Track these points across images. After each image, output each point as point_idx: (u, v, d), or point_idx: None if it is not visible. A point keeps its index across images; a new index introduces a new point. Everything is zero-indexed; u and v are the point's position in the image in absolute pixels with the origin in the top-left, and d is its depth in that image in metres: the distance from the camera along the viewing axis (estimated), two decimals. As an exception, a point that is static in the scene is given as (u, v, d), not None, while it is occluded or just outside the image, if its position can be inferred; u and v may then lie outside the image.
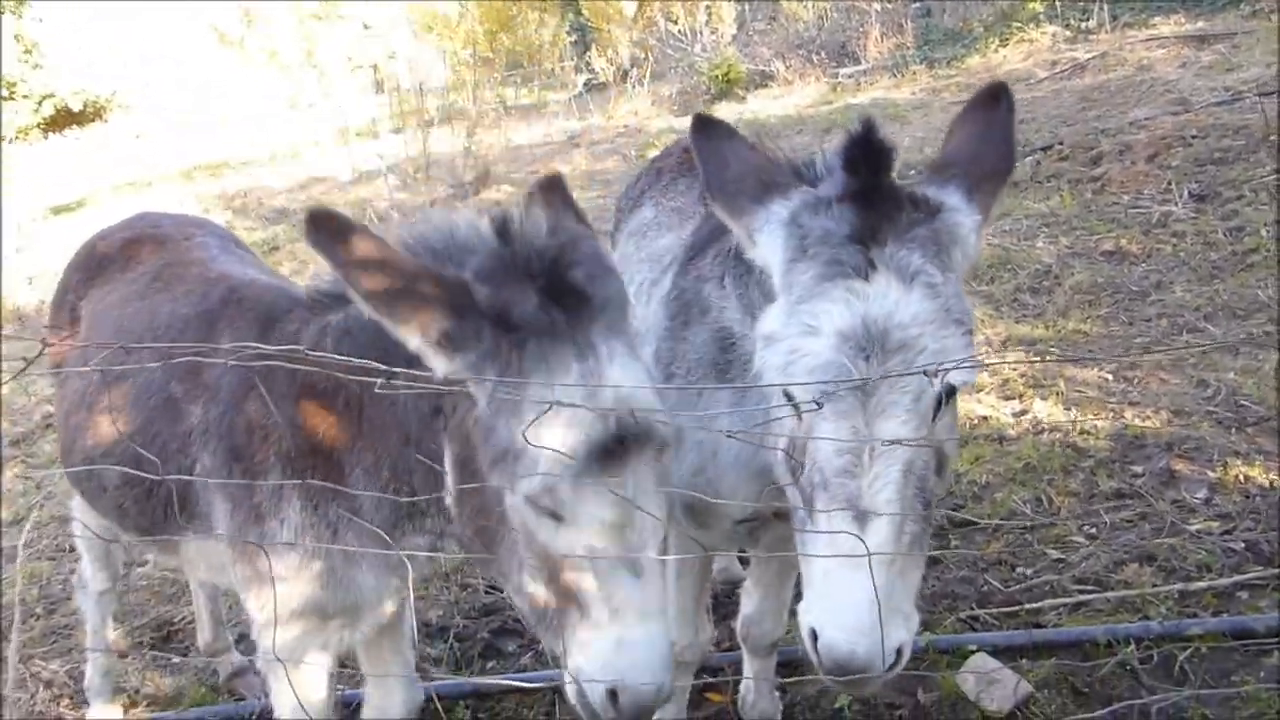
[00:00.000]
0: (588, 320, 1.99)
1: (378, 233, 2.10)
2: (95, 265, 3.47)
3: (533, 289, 1.99)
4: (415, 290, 2.00)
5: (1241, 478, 4.53)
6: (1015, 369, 5.83)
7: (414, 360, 2.01)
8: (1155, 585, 3.95)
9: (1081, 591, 4.02)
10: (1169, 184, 8.01)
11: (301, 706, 2.63)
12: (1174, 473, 4.67)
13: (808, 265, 1.94)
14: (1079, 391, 5.52)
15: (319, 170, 16.70)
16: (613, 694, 1.93)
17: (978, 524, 4.52)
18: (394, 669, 3.10)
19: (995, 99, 2.29)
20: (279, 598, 2.46)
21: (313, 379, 2.37)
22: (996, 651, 3.71)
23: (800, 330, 1.88)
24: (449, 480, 2.20)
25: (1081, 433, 5.11)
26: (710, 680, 3.83)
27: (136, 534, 3.02)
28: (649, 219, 3.56)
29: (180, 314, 2.91)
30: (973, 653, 3.70)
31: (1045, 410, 5.37)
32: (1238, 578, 3.91)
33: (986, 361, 5.77)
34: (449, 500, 2.23)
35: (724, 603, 4.31)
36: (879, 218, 1.93)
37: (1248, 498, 4.41)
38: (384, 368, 1.87)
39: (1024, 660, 3.67)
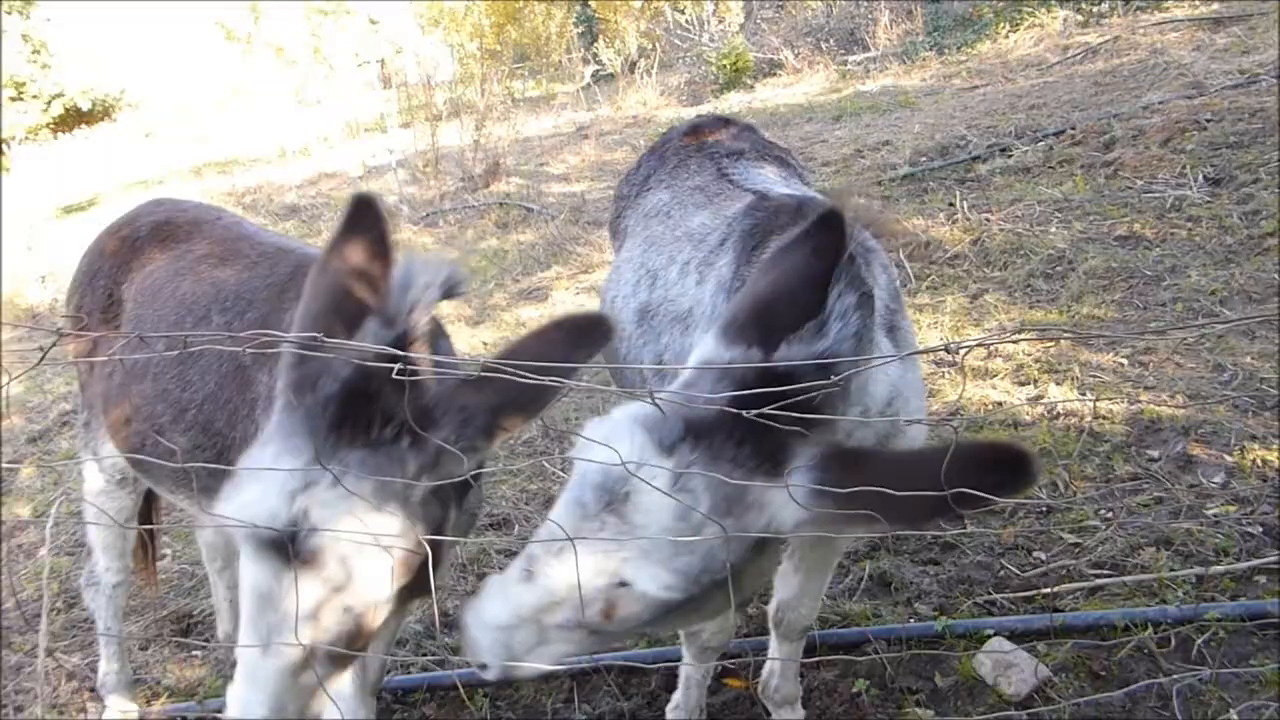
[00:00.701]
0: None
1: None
2: (130, 248, 3.53)
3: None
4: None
5: (1259, 461, 4.52)
6: (1029, 354, 5.82)
7: None
8: (1172, 569, 3.94)
9: (1098, 576, 4.02)
10: (1183, 168, 7.97)
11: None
12: (1191, 457, 4.65)
13: None
14: (1094, 376, 5.51)
15: (328, 166, 16.73)
16: None
17: (993, 510, 4.51)
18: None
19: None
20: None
21: None
22: (1014, 636, 3.72)
23: None
24: None
25: (1097, 417, 5.10)
26: (728, 665, 3.84)
27: (204, 496, 3.08)
28: (666, 200, 3.58)
29: (249, 286, 3.04)
30: (989, 637, 3.70)
31: (1060, 395, 5.35)
32: (1255, 562, 3.90)
33: (1004, 339, 5.78)
34: None
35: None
36: None
37: (1265, 481, 4.39)
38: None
39: (1041, 644, 3.67)
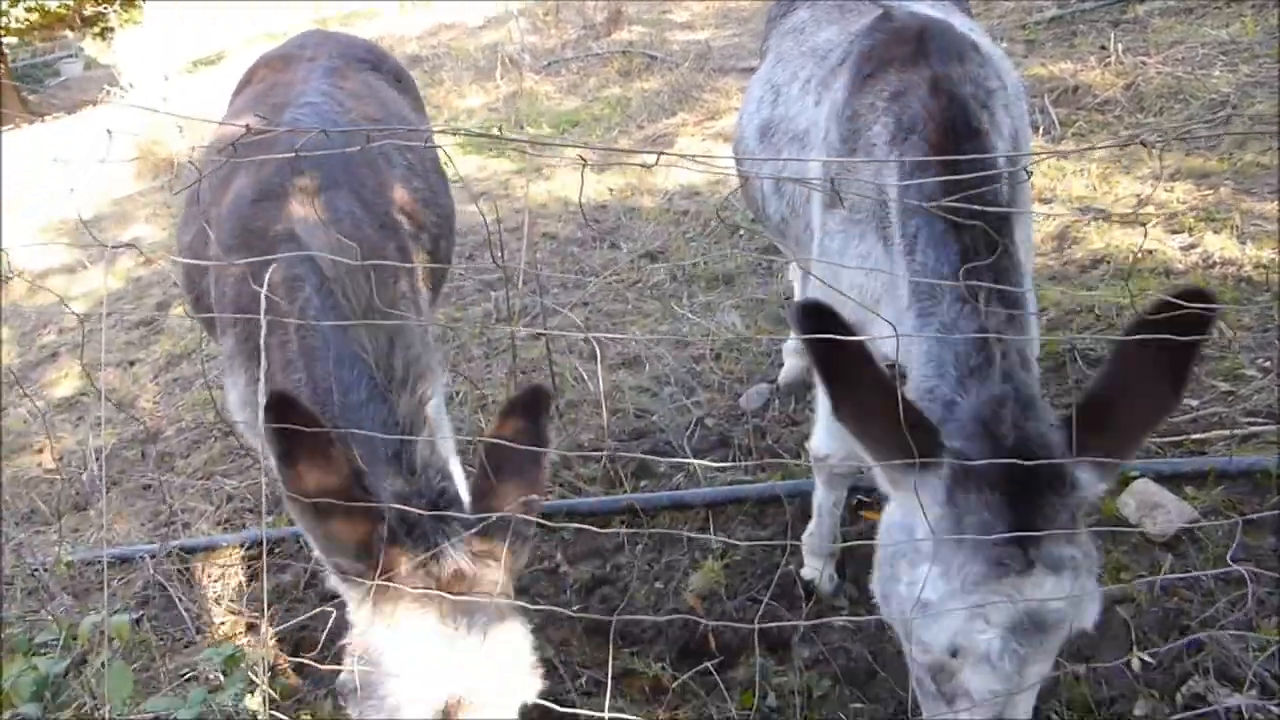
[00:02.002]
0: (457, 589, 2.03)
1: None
2: (240, 83, 3.87)
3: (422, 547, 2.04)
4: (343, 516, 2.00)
5: None
6: (1184, 201, 5.53)
7: None
8: (1334, 417, 3.78)
9: (1252, 424, 3.88)
10: (1365, 4, 7.34)
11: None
12: (1358, 306, 4.41)
13: (967, 557, 1.96)
14: (1256, 225, 5.21)
15: (448, 16, 16.61)
16: None
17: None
18: None
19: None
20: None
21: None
22: (1160, 478, 3.63)
23: (968, 617, 1.95)
24: None
25: (1257, 266, 4.84)
26: (864, 499, 3.86)
27: None
28: (805, 19, 3.51)
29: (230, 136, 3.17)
30: (1135, 479, 3.63)
31: (1217, 244, 5.09)
32: None
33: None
34: None
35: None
36: (1033, 513, 1.94)
37: None
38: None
39: (1189, 488, 3.59)
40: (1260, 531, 3.41)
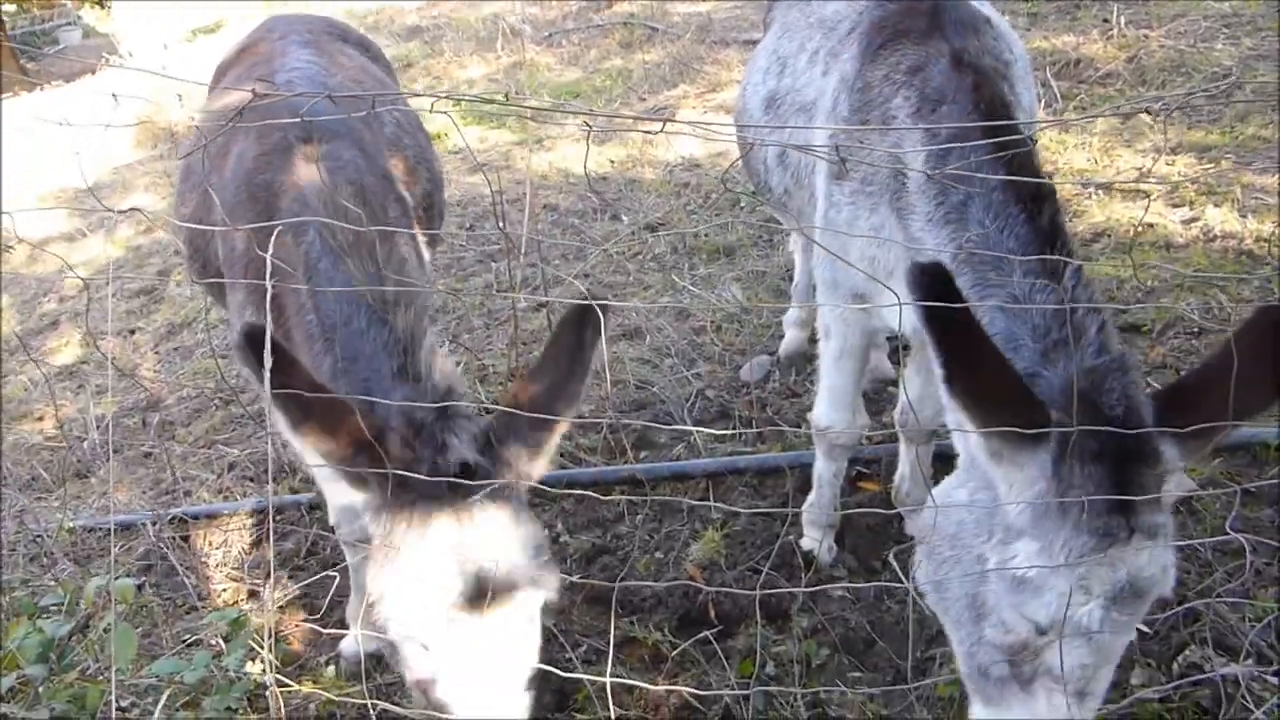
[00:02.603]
0: (471, 490, 2.08)
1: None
2: (216, 76, 3.92)
3: (432, 455, 2.10)
4: (340, 428, 2.04)
5: None
6: (1185, 175, 5.53)
7: None
8: (1334, 391, 3.79)
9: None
10: (1371, -23, 7.30)
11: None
12: (1359, 280, 4.41)
13: (1071, 531, 1.95)
14: (1257, 199, 5.21)
15: (449, -13, 16.48)
16: None
17: (1140, 328, 4.38)
18: None
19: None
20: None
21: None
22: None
23: (1072, 587, 1.95)
24: None
25: (1258, 240, 4.84)
26: (863, 470, 3.88)
27: None
28: (811, -13, 3.47)
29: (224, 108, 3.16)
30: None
31: (1218, 217, 5.09)
32: None
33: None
34: None
35: (873, 399, 4.33)
36: (1131, 484, 1.94)
37: None
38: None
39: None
40: (1258, 503, 3.44)
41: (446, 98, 2.09)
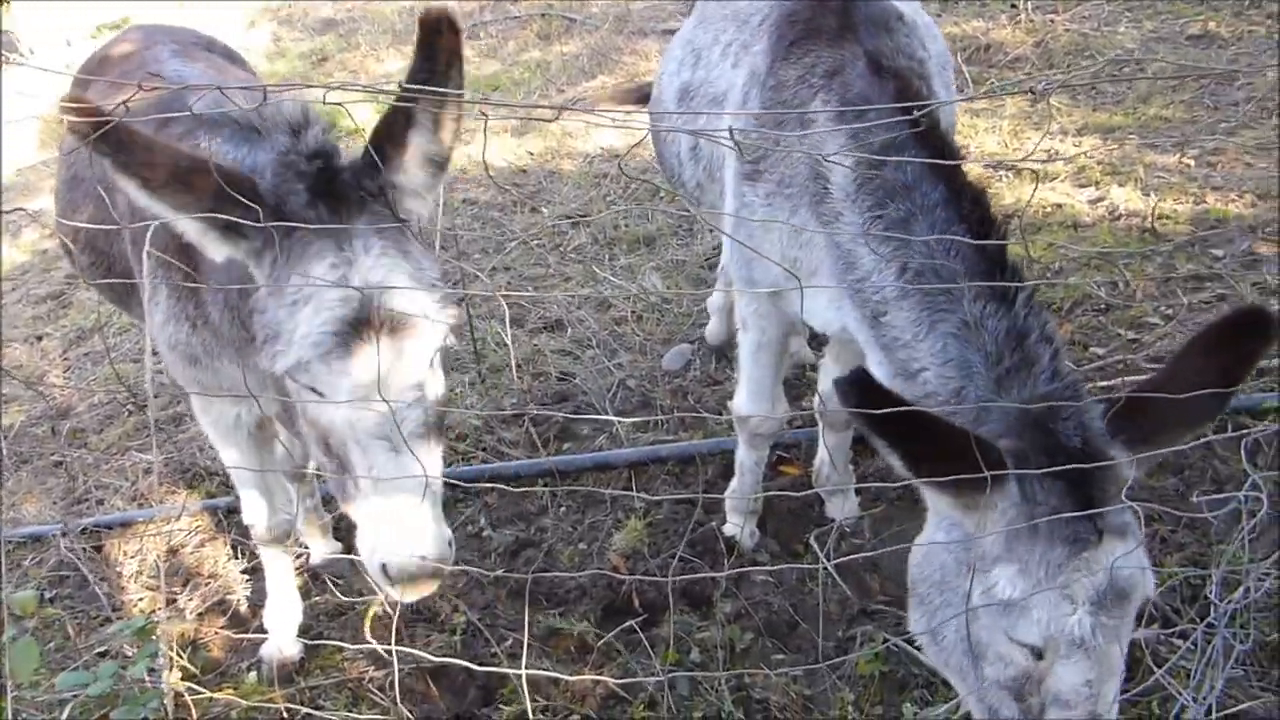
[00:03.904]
0: (350, 217, 2.15)
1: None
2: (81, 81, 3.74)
3: (304, 185, 2.15)
4: (194, 183, 2.06)
5: (1327, 258, 4.42)
6: (1092, 156, 5.66)
7: None
8: (1232, 362, 3.91)
9: (1154, 369, 3.99)
10: (1264, -39, 7.53)
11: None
12: (1255, 254, 4.56)
13: (1044, 545, 1.97)
14: (1159, 178, 5.36)
15: (364, -21, 16.22)
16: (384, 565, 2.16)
17: (1050, 307, 4.48)
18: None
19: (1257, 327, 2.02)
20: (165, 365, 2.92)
21: None
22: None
23: (1055, 603, 1.96)
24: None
25: (1160, 218, 4.98)
26: (783, 455, 3.91)
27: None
28: (732, -24, 3.45)
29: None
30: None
31: (1123, 197, 5.22)
32: (1318, 354, 3.86)
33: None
34: None
35: (794, 384, 4.36)
36: (1092, 490, 1.97)
37: (1333, 277, 4.31)
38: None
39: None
40: (1162, 473, 3.54)
41: (339, 89, 2.05)
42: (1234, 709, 2.64)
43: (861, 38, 2.65)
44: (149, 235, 1.99)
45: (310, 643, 3.41)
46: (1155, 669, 2.44)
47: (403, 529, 2.13)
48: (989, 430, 2.09)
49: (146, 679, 2.34)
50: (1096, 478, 1.95)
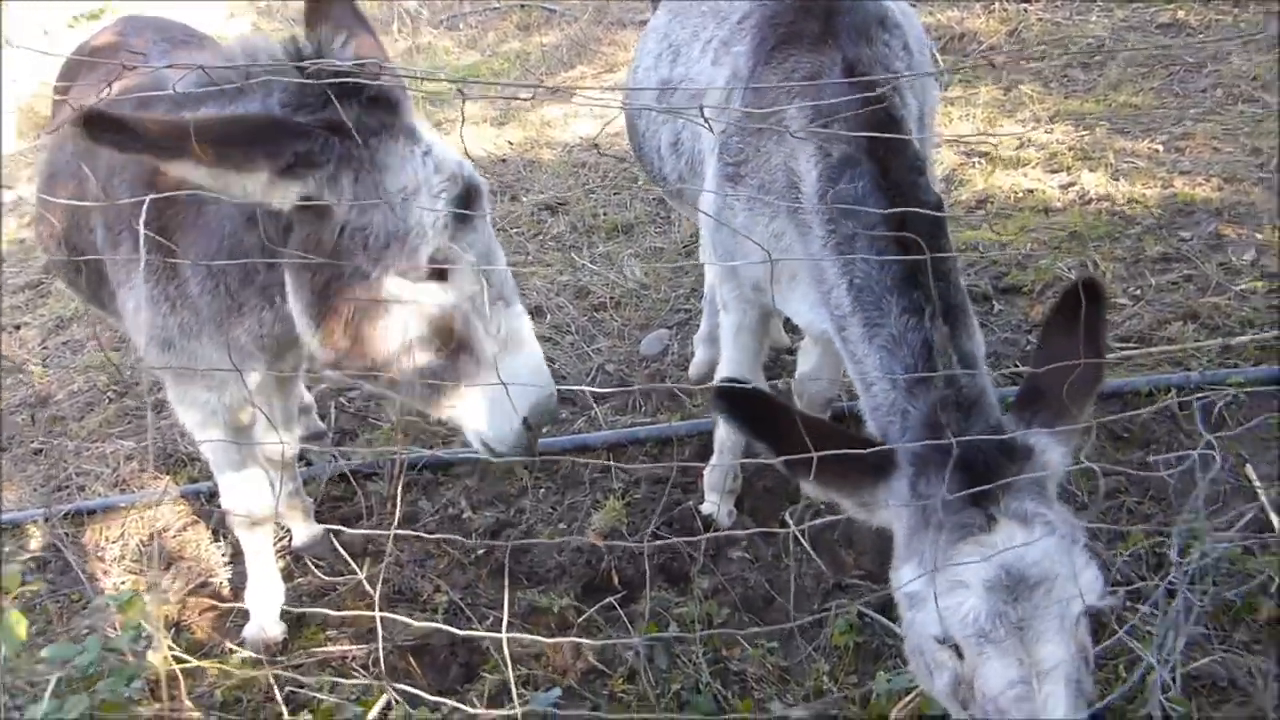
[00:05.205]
0: (405, 115, 2.33)
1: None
2: (64, 75, 3.75)
3: (349, 104, 2.21)
4: (244, 138, 2.14)
5: (1291, 238, 4.52)
6: (1063, 142, 5.74)
7: None
8: (1198, 341, 4.00)
9: (1124, 348, 4.08)
10: (1233, -49, 7.64)
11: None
12: (1222, 237, 4.65)
13: (934, 535, 2.02)
14: (1129, 163, 5.45)
15: (342, -29, 16.17)
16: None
17: (1021, 289, 4.55)
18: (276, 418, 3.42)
19: (1089, 298, 2.14)
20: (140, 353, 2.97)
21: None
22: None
23: (948, 588, 1.97)
24: (294, 292, 2.42)
25: (1129, 201, 5.07)
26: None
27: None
28: (705, -30, 3.47)
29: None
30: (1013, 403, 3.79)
31: (1093, 181, 5.31)
32: (1280, 331, 3.96)
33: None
34: (298, 312, 2.44)
35: (770, 367, 4.42)
36: (988, 479, 2.00)
37: (1296, 258, 4.41)
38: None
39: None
40: (1128, 447, 3.62)
41: (314, 65, 2.11)
42: (1195, 665, 2.72)
43: (843, 44, 2.65)
44: (144, 211, 2.04)
45: (299, 610, 3.43)
46: (1117, 628, 2.51)
47: (544, 370, 2.38)
48: (909, 439, 2.18)
49: (129, 654, 2.37)
50: (993, 469, 2.00)
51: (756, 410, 2.06)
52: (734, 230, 2.83)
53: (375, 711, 2.95)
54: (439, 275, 2.27)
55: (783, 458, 2.07)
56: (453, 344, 2.31)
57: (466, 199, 2.29)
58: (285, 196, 2.21)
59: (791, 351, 4.50)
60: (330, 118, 2.19)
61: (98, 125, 1.97)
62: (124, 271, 2.86)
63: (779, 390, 4.18)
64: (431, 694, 3.17)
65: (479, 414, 2.37)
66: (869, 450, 2.11)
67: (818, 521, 3.31)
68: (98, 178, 2.69)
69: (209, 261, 2.54)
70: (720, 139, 2.84)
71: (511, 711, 2.30)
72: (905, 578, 2.07)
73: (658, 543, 2.21)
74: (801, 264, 2.69)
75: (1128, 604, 2.93)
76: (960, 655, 1.99)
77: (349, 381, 2.60)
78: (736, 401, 2.05)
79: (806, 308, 2.72)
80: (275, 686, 2.95)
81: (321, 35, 2.31)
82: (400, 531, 2.21)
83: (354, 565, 2.72)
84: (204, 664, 2.81)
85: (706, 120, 2.07)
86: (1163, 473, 2.49)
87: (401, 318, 2.30)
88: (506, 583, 2.74)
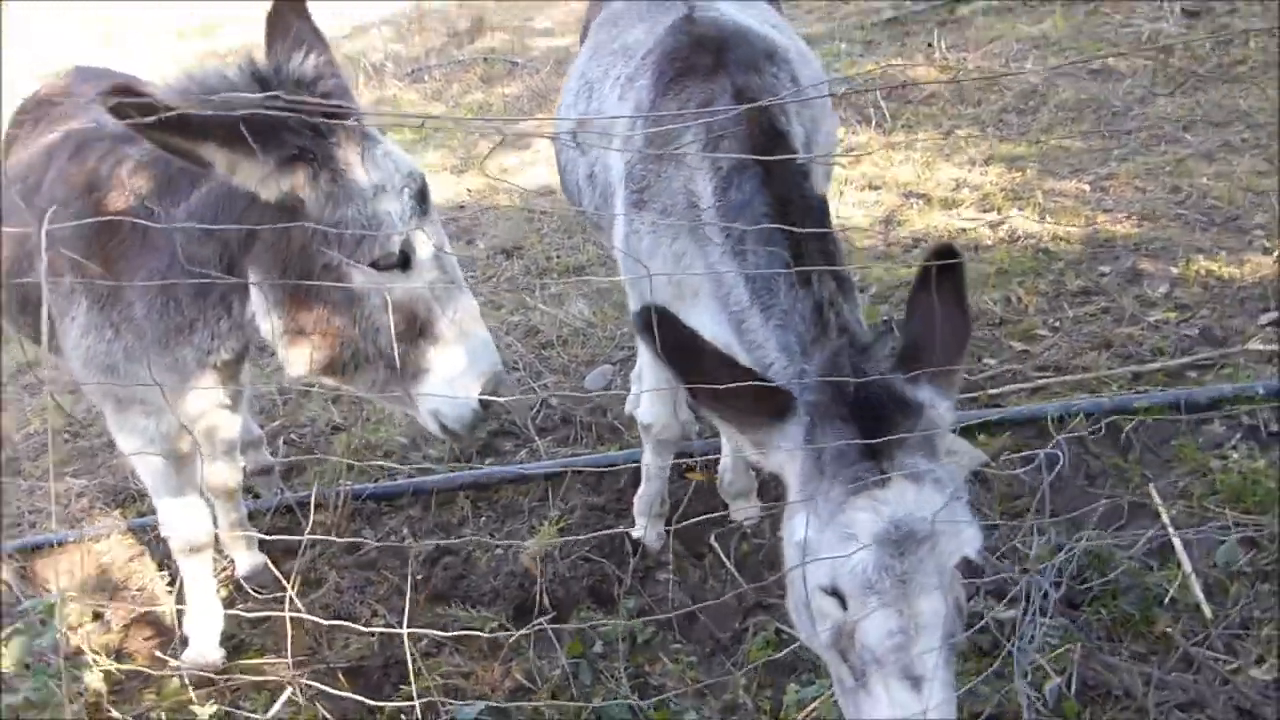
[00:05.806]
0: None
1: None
2: (14, 127, 3.82)
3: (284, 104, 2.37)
4: (259, 128, 2.31)
5: (1202, 272, 4.72)
6: (995, 183, 5.96)
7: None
8: (1110, 369, 4.18)
9: (1041, 377, 4.25)
10: (1162, 1, 7.95)
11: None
12: (1139, 270, 4.85)
13: (828, 486, 2.13)
14: (1056, 202, 5.66)
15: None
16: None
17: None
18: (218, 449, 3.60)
19: (945, 268, 2.29)
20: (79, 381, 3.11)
21: (109, 202, 2.78)
22: (958, 431, 3.96)
23: (839, 539, 2.07)
24: (258, 300, 2.60)
25: (1054, 238, 5.27)
26: (688, 462, 4.11)
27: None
28: (620, 10, 3.66)
29: (39, 149, 3.24)
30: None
31: (1021, 221, 5.51)
32: (1187, 359, 4.14)
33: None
34: (263, 314, 2.61)
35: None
36: (882, 433, 2.11)
37: (1207, 289, 4.60)
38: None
39: (982, 435, 3.92)
40: (1040, 471, 3.76)
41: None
42: (1059, 650, 2.92)
43: (732, 74, 2.87)
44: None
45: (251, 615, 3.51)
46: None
47: (493, 349, 2.63)
48: (806, 395, 2.28)
49: (50, 656, 2.46)
50: (887, 423, 2.10)
51: (672, 337, 2.17)
52: (634, 258, 2.99)
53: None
54: (404, 264, 2.50)
55: (689, 384, 2.19)
56: (416, 328, 2.53)
57: (422, 193, 2.55)
58: (275, 188, 2.42)
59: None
60: (307, 120, 2.37)
61: (135, 109, 2.15)
62: (66, 302, 2.98)
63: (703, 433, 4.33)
64: (363, 711, 3.29)
65: (437, 395, 2.56)
66: (768, 385, 2.25)
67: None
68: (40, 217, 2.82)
69: (162, 281, 2.68)
70: (626, 168, 3.01)
71: None
72: (796, 528, 2.17)
73: (584, 540, 2.31)
74: (703, 279, 2.84)
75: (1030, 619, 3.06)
76: (844, 606, 2.09)
77: (311, 379, 2.75)
78: (657, 325, 2.15)
79: (709, 319, 2.87)
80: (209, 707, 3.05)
81: (278, 50, 2.58)
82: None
83: (289, 590, 2.82)
84: (133, 667, 2.87)
85: (578, 144, 2.21)
86: (1018, 471, 2.64)
87: (370, 307, 2.50)
88: (417, 599, 2.82)
